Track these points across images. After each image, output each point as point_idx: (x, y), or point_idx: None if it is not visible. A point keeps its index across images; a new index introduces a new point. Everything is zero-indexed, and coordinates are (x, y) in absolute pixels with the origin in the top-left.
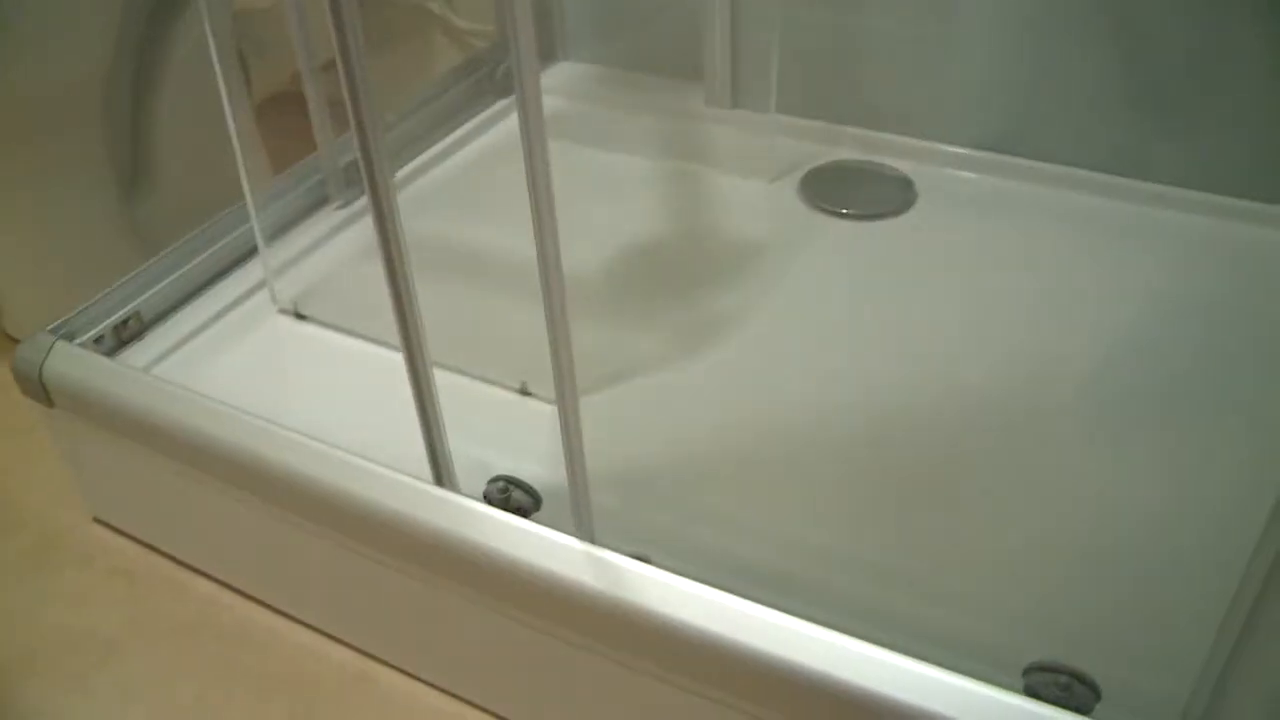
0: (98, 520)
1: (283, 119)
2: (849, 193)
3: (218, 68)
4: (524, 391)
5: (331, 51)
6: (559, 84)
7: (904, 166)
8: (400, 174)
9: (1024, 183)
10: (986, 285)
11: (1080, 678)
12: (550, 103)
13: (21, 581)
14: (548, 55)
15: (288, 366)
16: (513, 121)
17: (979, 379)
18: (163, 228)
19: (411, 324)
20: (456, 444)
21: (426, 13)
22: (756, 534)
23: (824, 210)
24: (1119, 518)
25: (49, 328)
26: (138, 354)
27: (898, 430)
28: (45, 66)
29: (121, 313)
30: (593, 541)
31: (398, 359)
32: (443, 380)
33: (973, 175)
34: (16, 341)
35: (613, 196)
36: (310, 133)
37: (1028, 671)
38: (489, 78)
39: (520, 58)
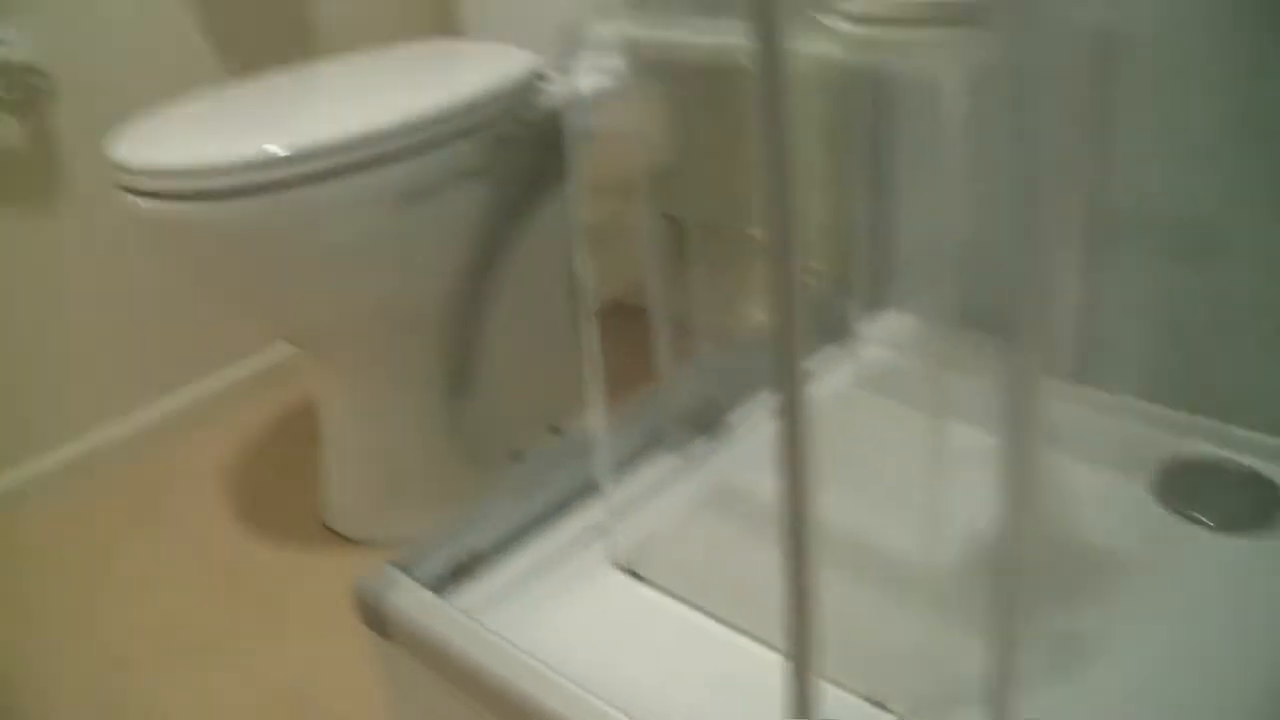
0: None
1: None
2: (1211, 498)
3: (581, 290)
4: (876, 703)
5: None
6: (886, 334)
7: (1273, 471)
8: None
9: None
10: None
11: None
12: (875, 354)
13: None
14: (876, 303)
15: (619, 634)
16: (839, 375)
17: None
18: (482, 438)
19: (805, 624)
20: None
21: (751, 241)
22: None
23: (1183, 515)
24: None
25: (392, 561)
26: (471, 593)
27: None
28: (401, 277)
29: (460, 549)
30: None
31: (741, 641)
32: (766, 659)
33: None
34: (335, 533)
35: (938, 469)
36: (638, 357)
37: None
38: (816, 320)
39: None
